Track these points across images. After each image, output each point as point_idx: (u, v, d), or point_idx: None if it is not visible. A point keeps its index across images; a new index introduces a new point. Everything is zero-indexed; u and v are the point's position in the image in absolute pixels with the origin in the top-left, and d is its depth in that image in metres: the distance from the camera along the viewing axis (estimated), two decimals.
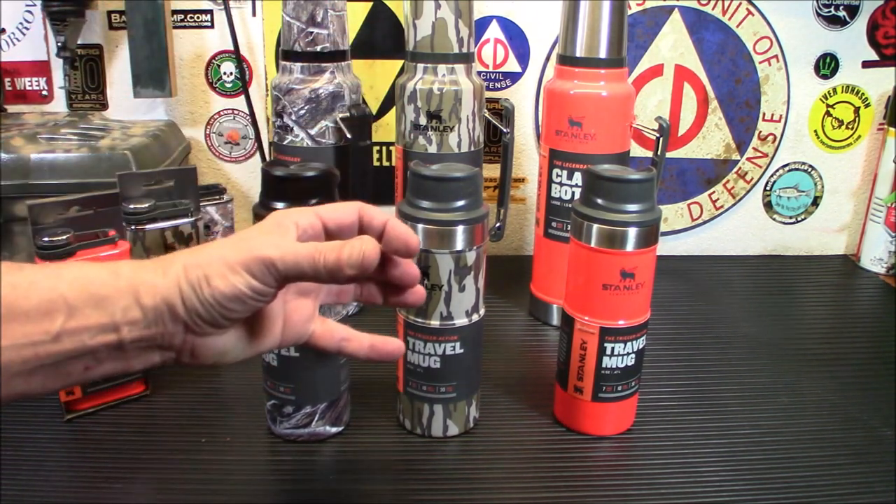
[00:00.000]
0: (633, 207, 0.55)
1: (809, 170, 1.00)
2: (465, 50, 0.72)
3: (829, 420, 0.63)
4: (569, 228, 0.60)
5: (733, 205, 1.00)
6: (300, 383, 0.56)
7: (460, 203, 0.54)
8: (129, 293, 0.36)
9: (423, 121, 0.72)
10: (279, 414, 0.58)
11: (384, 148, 0.95)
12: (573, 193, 0.73)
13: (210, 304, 0.37)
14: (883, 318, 0.84)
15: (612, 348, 0.57)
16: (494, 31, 0.92)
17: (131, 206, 0.65)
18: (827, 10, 0.93)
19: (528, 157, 0.97)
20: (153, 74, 0.86)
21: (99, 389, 0.61)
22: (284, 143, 0.72)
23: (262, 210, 0.53)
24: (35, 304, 0.35)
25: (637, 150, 0.95)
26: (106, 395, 0.62)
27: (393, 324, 0.60)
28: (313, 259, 0.38)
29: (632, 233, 0.55)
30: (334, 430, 0.59)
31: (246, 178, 0.96)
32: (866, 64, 0.96)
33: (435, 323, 0.56)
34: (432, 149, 0.73)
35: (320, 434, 0.58)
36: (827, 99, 0.97)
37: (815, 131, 0.98)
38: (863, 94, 0.97)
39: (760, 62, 0.94)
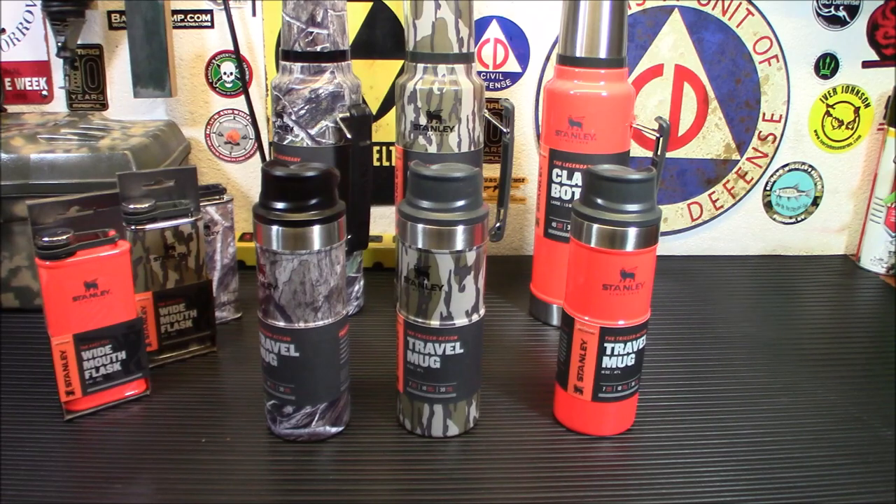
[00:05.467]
0: (633, 207, 0.55)
1: (809, 170, 1.00)
2: (465, 50, 0.72)
3: (829, 420, 0.63)
4: (569, 228, 0.60)
5: (733, 205, 1.00)
6: (300, 383, 0.56)
7: (460, 203, 0.54)
8: None
9: (423, 121, 0.72)
10: (279, 414, 0.58)
11: (384, 148, 0.95)
12: (573, 193, 0.73)
13: None
14: (883, 318, 0.84)
15: (612, 348, 0.57)
16: (494, 31, 0.92)
17: (131, 206, 0.65)
18: (827, 10, 0.93)
19: (528, 157, 0.97)
20: (153, 74, 0.86)
21: (99, 389, 0.61)
22: (284, 143, 0.72)
23: (261, 210, 0.53)
24: None
25: (637, 150, 0.95)
26: (106, 395, 0.62)
27: (393, 324, 0.60)
28: None
29: (632, 233, 0.55)
30: (334, 430, 0.59)
31: (246, 178, 0.96)
32: (866, 64, 0.96)
33: (435, 323, 0.56)
34: (432, 149, 0.73)
35: (320, 434, 0.58)
36: (827, 99, 0.97)
37: (815, 131, 0.98)
38: (863, 94, 0.97)
39: (760, 62, 0.94)
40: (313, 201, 0.53)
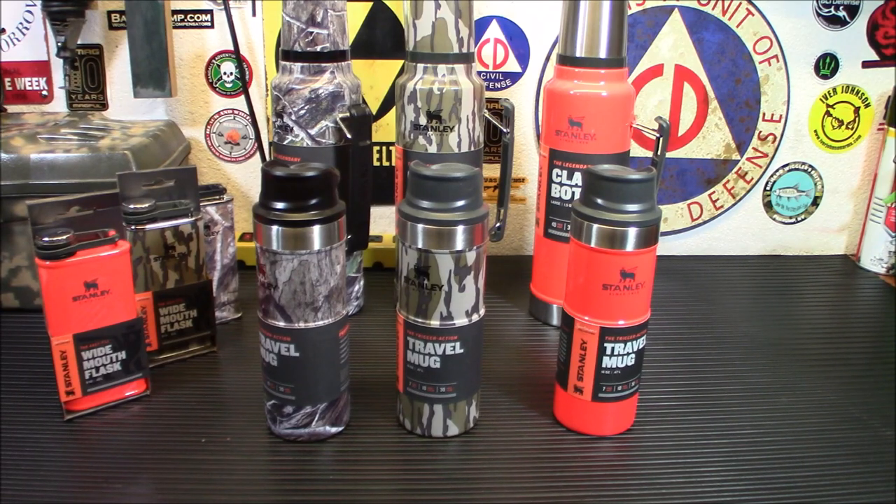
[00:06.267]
0: (633, 207, 0.55)
1: (809, 170, 1.00)
2: (465, 50, 0.72)
3: (829, 420, 0.63)
4: (569, 228, 0.60)
5: (733, 205, 1.00)
6: (300, 383, 0.56)
7: (460, 203, 0.54)
8: None
9: (423, 121, 0.72)
10: (279, 414, 0.58)
11: (384, 148, 0.95)
12: (573, 193, 0.73)
13: None
14: (883, 318, 0.84)
15: (612, 348, 0.57)
16: (494, 31, 0.92)
17: (131, 206, 0.65)
18: (827, 10, 0.93)
19: (528, 157, 0.97)
20: (153, 74, 0.86)
21: (99, 389, 0.61)
22: (284, 143, 0.72)
23: (261, 210, 0.53)
24: None
25: (637, 150, 0.95)
26: (106, 395, 0.62)
27: (393, 324, 0.60)
28: None
29: (632, 233, 0.55)
30: (334, 430, 0.59)
31: (246, 178, 0.96)
32: (866, 64, 0.96)
33: (435, 323, 0.56)
34: (432, 149, 0.73)
35: (320, 434, 0.58)
36: (827, 99, 0.97)
37: (815, 131, 0.98)
38: (863, 94, 0.97)
39: (760, 62, 0.94)
40: (313, 201, 0.53)
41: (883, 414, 0.64)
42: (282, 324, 0.55)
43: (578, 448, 0.59)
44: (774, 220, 1.01)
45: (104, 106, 0.92)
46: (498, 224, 0.83)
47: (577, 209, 0.57)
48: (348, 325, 0.58)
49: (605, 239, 0.55)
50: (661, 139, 0.73)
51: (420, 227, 0.54)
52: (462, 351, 0.57)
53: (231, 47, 0.90)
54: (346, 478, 0.55)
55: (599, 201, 0.56)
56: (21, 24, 0.88)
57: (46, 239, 0.56)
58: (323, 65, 0.70)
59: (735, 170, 0.98)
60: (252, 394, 0.64)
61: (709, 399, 0.66)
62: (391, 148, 0.94)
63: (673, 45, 0.93)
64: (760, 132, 0.97)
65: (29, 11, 0.88)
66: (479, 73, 0.92)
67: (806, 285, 0.93)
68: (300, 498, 0.53)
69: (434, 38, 0.71)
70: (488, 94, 0.93)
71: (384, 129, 0.94)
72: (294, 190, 0.53)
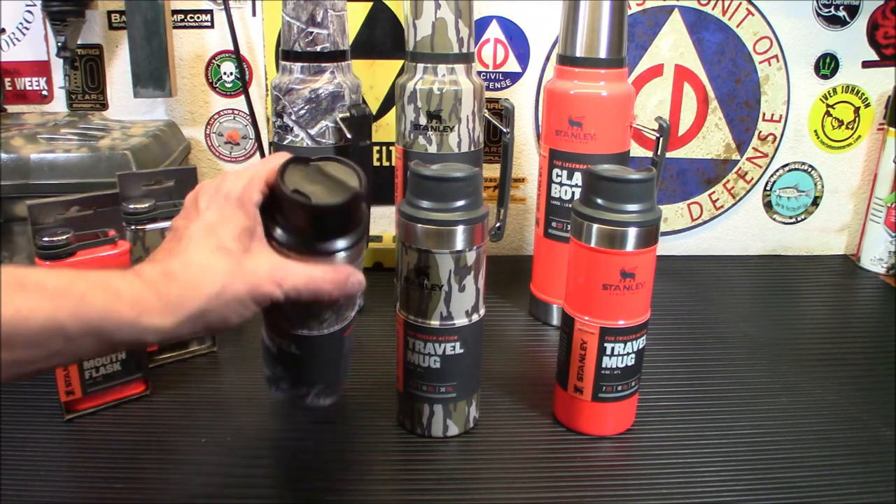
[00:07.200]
0: (633, 207, 0.55)
1: (809, 170, 1.00)
2: (465, 50, 0.72)
3: (829, 420, 0.63)
4: (569, 228, 0.60)
5: (733, 205, 1.00)
6: (299, 377, 0.56)
7: (460, 203, 0.54)
8: (131, 327, 0.39)
9: (423, 121, 0.72)
10: (276, 387, 0.57)
11: (384, 148, 0.95)
12: (573, 193, 0.73)
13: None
14: (883, 318, 0.84)
15: (612, 348, 0.57)
16: (494, 31, 0.92)
17: (131, 206, 0.65)
18: (827, 10, 0.93)
19: (528, 157, 0.97)
20: (153, 74, 0.86)
21: (99, 389, 0.61)
22: (284, 143, 0.72)
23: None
24: (35, 333, 0.37)
25: (637, 150, 0.95)
26: (106, 395, 0.62)
27: (393, 324, 0.60)
28: (316, 289, 0.45)
29: (632, 233, 0.55)
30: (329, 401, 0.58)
31: None
32: (866, 64, 0.96)
33: (435, 323, 0.56)
34: (432, 149, 0.73)
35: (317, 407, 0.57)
36: (827, 99, 0.97)
37: (815, 131, 0.98)
38: (863, 94, 0.97)
39: (760, 62, 0.94)
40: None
41: (883, 414, 0.64)
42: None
43: (578, 448, 0.59)
44: (774, 220, 1.01)
45: (104, 106, 0.92)
46: (498, 224, 0.83)
47: (577, 209, 0.57)
48: (352, 327, 0.58)
49: (605, 239, 0.55)
50: (661, 139, 0.73)
51: (420, 227, 0.54)
52: (462, 351, 0.57)
53: (231, 47, 0.90)
54: (346, 478, 0.55)
55: (599, 201, 0.56)
56: (21, 24, 0.88)
57: (46, 239, 0.56)
58: (323, 65, 0.70)
59: (735, 170, 0.98)
60: (252, 394, 0.64)
61: (709, 399, 0.66)
62: (391, 148, 0.94)
63: (673, 45, 0.92)
64: (760, 132, 0.97)
65: (29, 11, 0.88)
66: (479, 73, 0.92)
67: (806, 285, 0.93)
68: (301, 498, 0.53)
69: (434, 38, 0.71)
70: (488, 94, 0.93)
71: (384, 129, 0.93)
72: None
